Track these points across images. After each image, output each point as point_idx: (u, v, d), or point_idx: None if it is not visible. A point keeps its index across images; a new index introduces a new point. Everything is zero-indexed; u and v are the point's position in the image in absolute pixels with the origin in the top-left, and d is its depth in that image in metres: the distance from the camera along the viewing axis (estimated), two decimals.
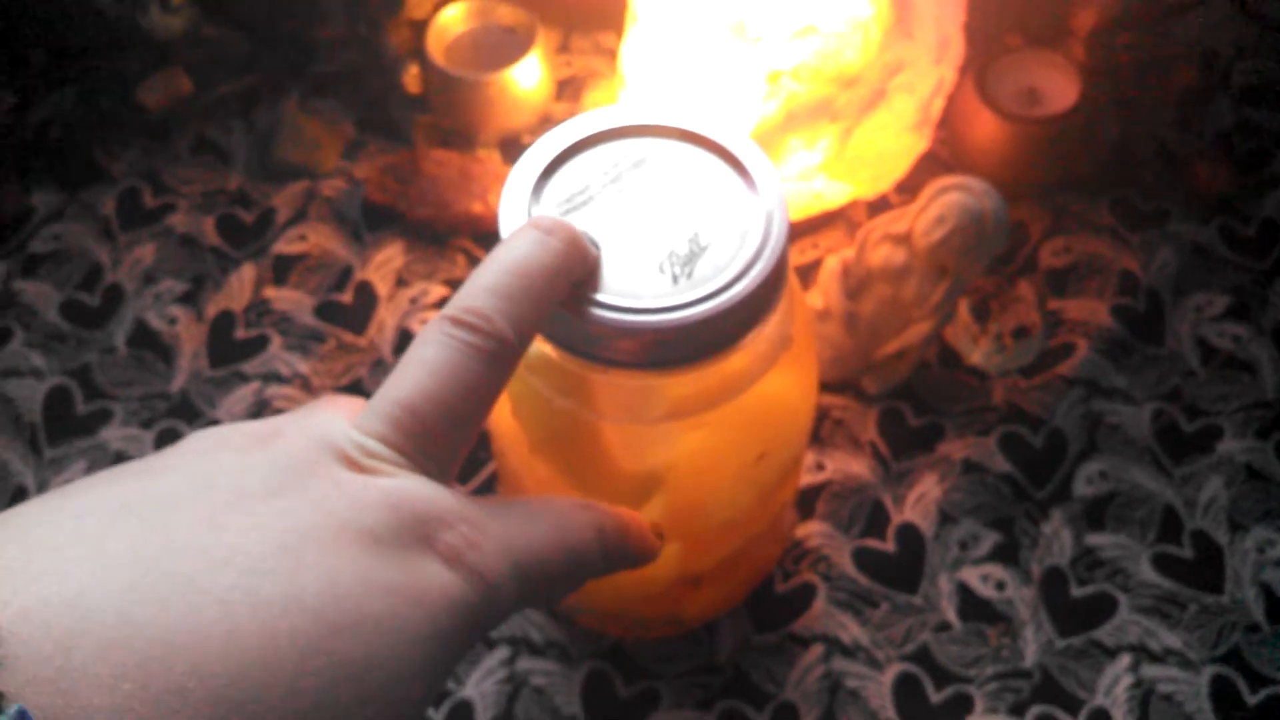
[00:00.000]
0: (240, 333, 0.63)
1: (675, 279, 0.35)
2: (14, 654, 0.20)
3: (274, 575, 0.23)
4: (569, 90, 0.71)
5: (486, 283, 0.30)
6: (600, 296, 0.35)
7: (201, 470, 0.25)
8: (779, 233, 0.36)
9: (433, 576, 0.26)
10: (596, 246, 0.35)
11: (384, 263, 0.65)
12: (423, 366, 0.28)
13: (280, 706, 0.22)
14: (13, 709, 0.19)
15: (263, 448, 0.27)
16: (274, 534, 0.24)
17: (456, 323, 0.29)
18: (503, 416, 0.42)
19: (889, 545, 0.57)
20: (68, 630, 0.20)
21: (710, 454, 0.42)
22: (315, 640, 0.23)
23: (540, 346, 0.37)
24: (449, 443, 0.28)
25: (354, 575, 0.24)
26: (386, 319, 0.63)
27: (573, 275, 0.33)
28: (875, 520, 0.57)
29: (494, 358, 0.29)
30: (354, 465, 0.27)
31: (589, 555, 0.31)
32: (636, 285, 0.35)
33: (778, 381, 0.41)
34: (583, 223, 0.36)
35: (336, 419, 0.28)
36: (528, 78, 0.66)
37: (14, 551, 0.22)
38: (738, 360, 0.38)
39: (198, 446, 0.27)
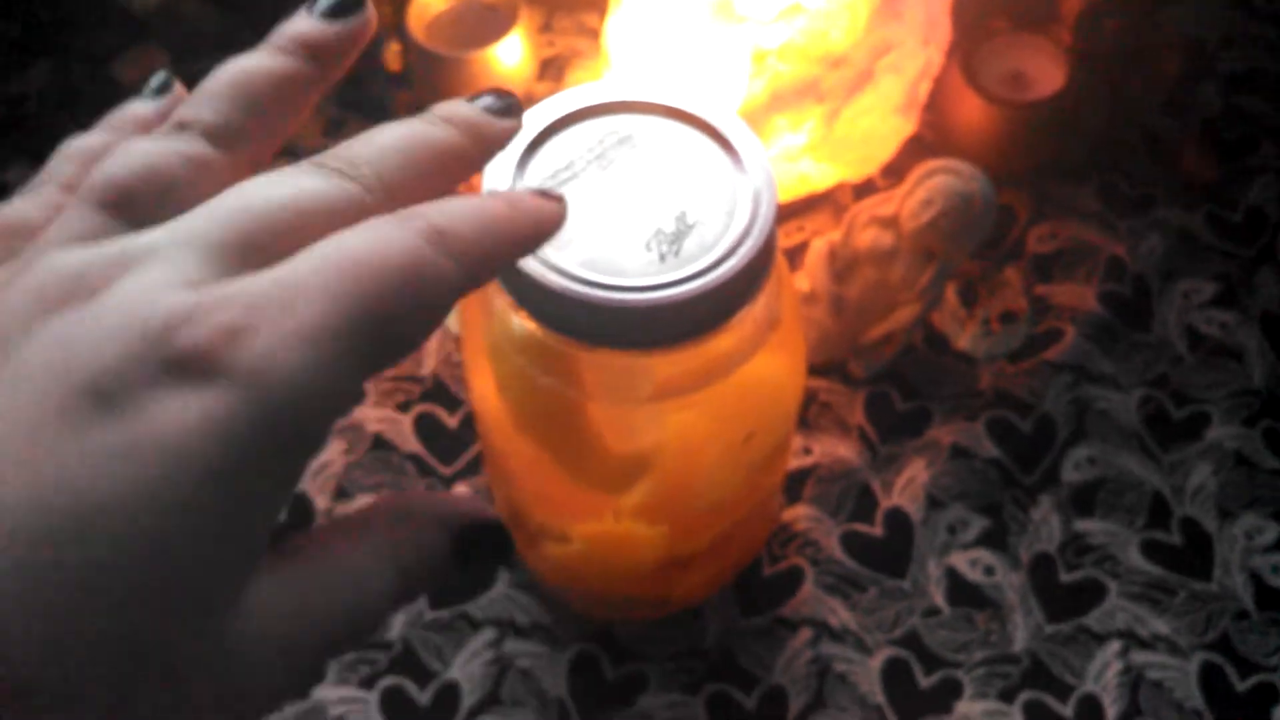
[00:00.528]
0: None
1: (662, 257, 0.35)
2: None
3: None
4: (551, 70, 0.70)
5: (362, 141, 0.26)
6: (586, 274, 0.34)
7: None
8: (767, 211, 0.36)
9: (175, 409, 0.20)
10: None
11: None
12: (265, 186, 0.24)
13: None
14: None
15: None
16: None
17: (315, 163, 0.25)
18: (488, 395, 0.42)
19: (877, 530, 0.56)
20: None
21: (698, 435, 0.41)
22: (16, 554, 0.20)
23: (526, 324, 0.36)
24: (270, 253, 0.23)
25: (59, 446, 0.20)
26: None
27: (472, 169, 0.28)
28: (863, 504, 0.57)
29: (356, 205, 0.24)
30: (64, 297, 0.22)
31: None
32: (623, 263, 0.34)
33: (766, 362, 0.40)
34: (568, 200, 0.35)
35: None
36: (509, 56, 0.65)
37: None
38: (726, 340, 0.37)
39: None
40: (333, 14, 0.28)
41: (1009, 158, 0.64)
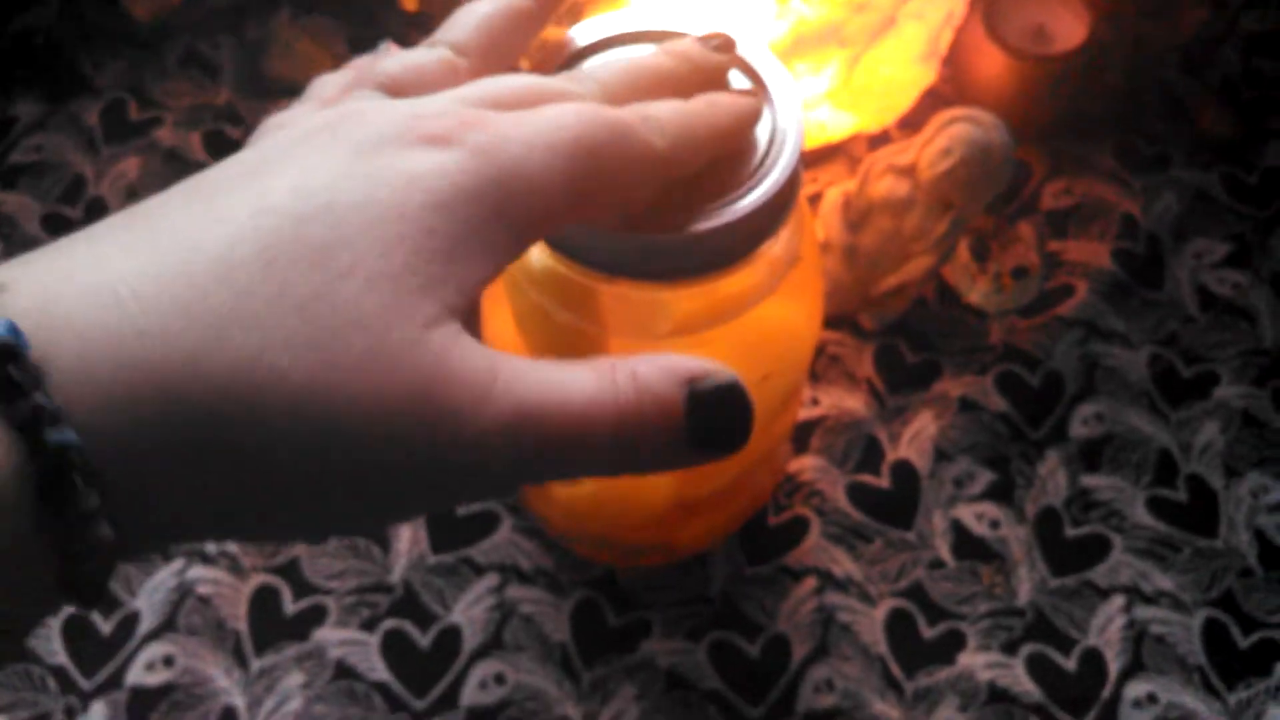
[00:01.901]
0: None
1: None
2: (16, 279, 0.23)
3: (246, 186, 0.25)
4: (568, 13, 0.70)
5: None
6: None
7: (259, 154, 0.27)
8: (793, 144, 0.35)
9: (421, 158, 0.26)
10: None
11: None
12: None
13: (253, 290, 0.24)
14: (2, 322, 0.21)
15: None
16: (265, 152, 0.26)
17: None
18: (503, 333, 0.41)
19: (884, 481, 0.56)
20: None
21: None
22: (277, 230, 0.24)
23: (546, 258, 0.36)
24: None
25: (329, 170, 0.25)
26: None
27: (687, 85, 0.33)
28: (870, 456, 0.57)
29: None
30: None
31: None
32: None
33: (784, 302, 0.40)
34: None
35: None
36: None
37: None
38: (746, 275, 0.37)
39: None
40: (716, 48, 0.35)
41: (1027, 112, 0.63)
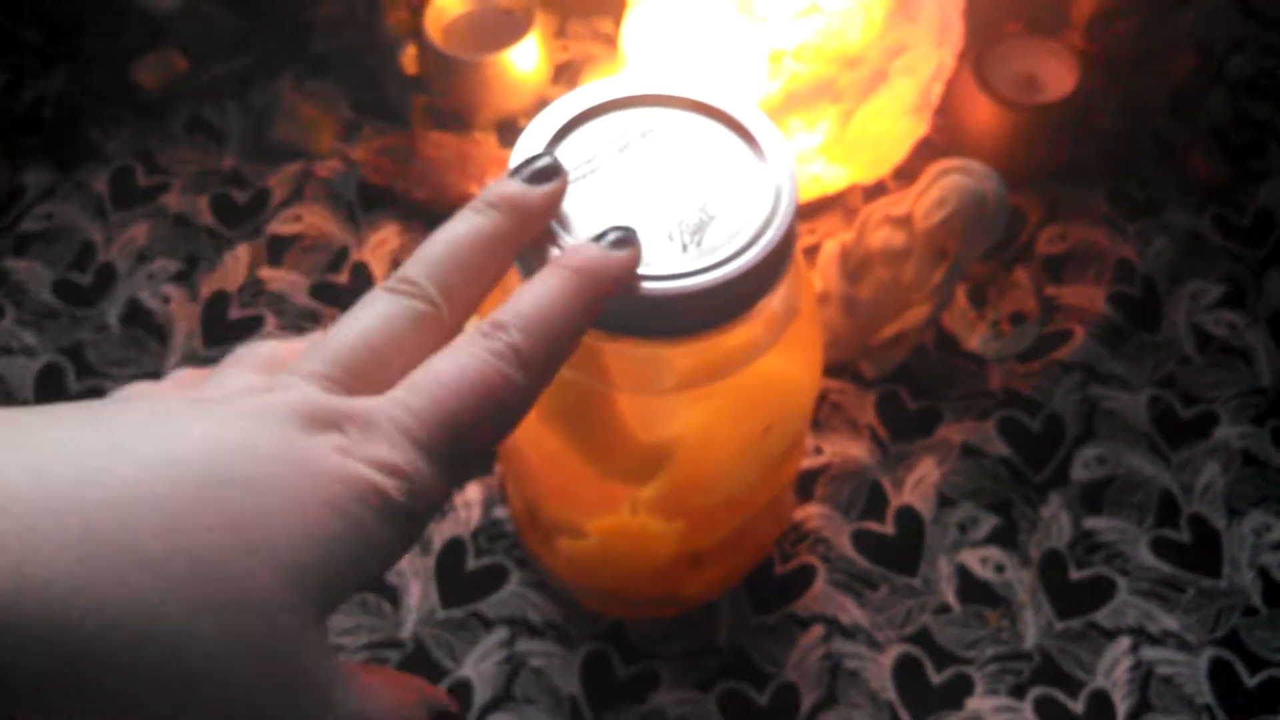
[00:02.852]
0: (235, 312, 0.63)
1: (684, 247, 0.35)
2: None
3: (165, 443, 0.25)
4: (566, 75, 0.71)
5: (420, 254, 0.31)
6: None
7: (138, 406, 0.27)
8: (788, 201, 0.36)
9: (330, 457, 0.26)
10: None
11: (380, 244, 0.65)
12: (353, 320, 0.29)
13: (167, 543, 0.23)
14: None
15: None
16: (182, 421, 0.26)
17: (387, 289, 0.30)
18: None
19: (888, 528, 0.57)
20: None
21: (717, 426, 0.42)
22: (199, 490, 0.24)
23: None
24: (375, 381, 0.29)
25: (241, 444, 0.25)
26: None
27: (520, 243, 0.33)
28: (874, 503, 0.57)
29: (422, 318, 0.29)
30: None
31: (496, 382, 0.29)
32: (646, 253, 0.35)
33: (784, 355, 0.40)
34: (590, 192, 0.36)
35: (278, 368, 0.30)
36: (525, 60, 0.66)
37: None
38: (746, 330, 0.37)
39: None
40: (536, 179, 0.34)
41: (1020, 160, 0.64)
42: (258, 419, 0.26)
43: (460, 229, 0.31)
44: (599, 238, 0.33)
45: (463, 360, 0.28)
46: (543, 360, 0.29)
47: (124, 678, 0.23)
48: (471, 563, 0.56)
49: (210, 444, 0.25)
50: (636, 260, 0.34)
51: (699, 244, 0.35)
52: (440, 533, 0.56)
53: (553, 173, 0.34)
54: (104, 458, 0.24)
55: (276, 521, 0.25)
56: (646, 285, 0.34)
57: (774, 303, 0.38)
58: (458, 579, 0.55)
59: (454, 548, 0.56)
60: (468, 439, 0.28)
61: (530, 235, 0.33)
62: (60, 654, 0.22)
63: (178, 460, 0.24)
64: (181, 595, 0.23)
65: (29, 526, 0.22)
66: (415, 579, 0.55)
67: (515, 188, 0.33)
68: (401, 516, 0.26)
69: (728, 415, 0.41)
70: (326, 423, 0.27)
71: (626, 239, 0.33)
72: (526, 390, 0.29)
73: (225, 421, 0.26)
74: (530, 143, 0.37)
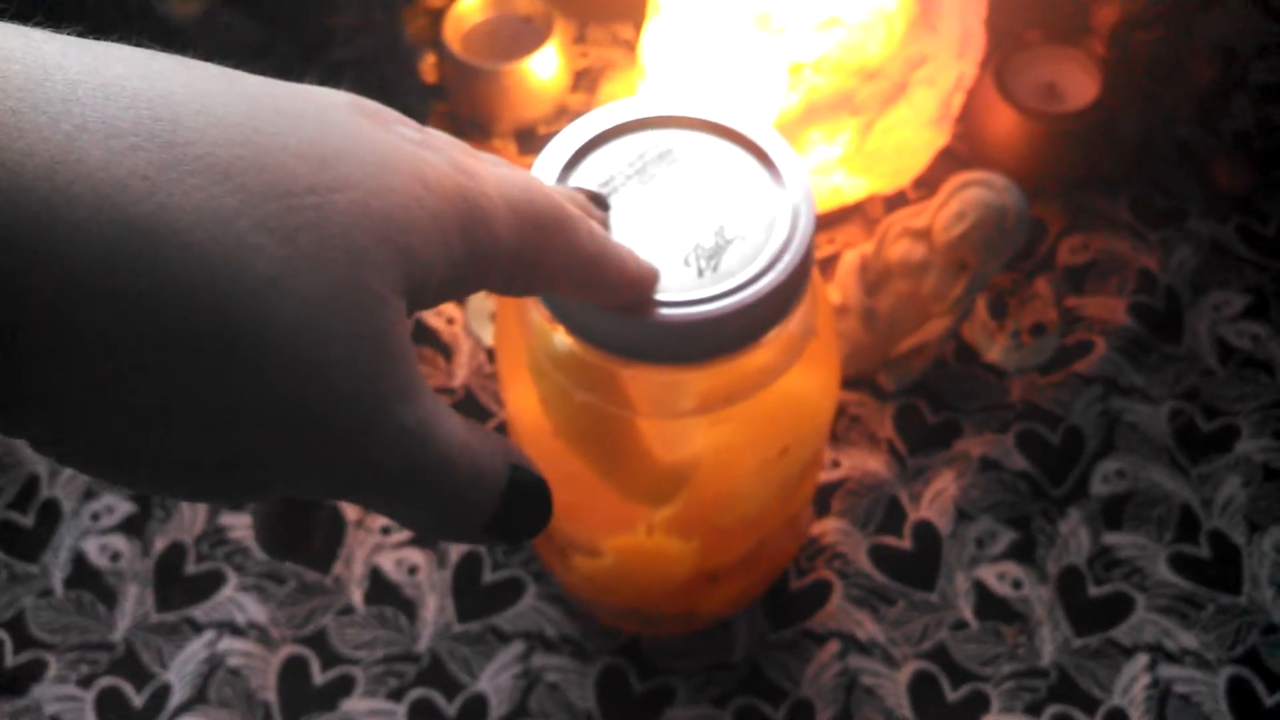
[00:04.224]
0: None
1: (701, 272, 0.35)
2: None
3: (270, 85, 0.23)
4: (585, 81, 0.71)
5: None
6: None
7: None
8: (805, 226, 0.36)
9: (437, 161, 0.25)
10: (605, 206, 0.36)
11: None
12: None
13: (249, 159, 0.21)
14: None
15: None
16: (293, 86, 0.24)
17: None
18: (526, 409, 0.42)
19: (905, 542, 0.56)
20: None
21: (734, 449, 0.41)
22: (294, 122, 0.23)
23: (564, 340, 0.37)
24: None
25: (350, 118, 0.24)
26: None
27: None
28: (891, 517, 0.57)
29: None
30: None
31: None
32: (662, 278, 0.34)
33: (801, 376, 0.40)
34: (607, 215, 0.36)
35: None
36: (544, 68, 0.66)
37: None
38: (764, 354, 0.37)
39: None
40: (596, 203, 0.36)
41: (1041, 170, 0.64)
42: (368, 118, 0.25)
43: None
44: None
45: (549, 190, 0.29)
46: (597, 255, 0.30)
47: (180, 314, 0.20)
48: (488, 576, 0.56)
49: (313, 98, 0.24)
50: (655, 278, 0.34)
51: (715, 269, 0.35)
52: (456, 546, 0.56)
53: (603, 204, 0.35)
54: (188, 71, 0.22)
55: (369, 168, 0.23)
56: (663, 311, 0.34)
57: (792, 325, 0.37)
58: (474, 592, 0.55)
59: (471, 561, 0.56)
60: (534, 240, 0.27)
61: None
62: (106, 263, 0.19)
63: (257, 96, 0.23)
64: (262, 217, 0.21)
65: (90, 117, 0.20)
66: (432, 592, 0.55)
67: (582, 200, 0.34)
68: (472, 230, 0.25)
69: (746, 437, 0.41)
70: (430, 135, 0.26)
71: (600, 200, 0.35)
72: (587, 262, 0.30)
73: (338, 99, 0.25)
74: (548, 164, 0.36)
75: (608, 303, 0.33)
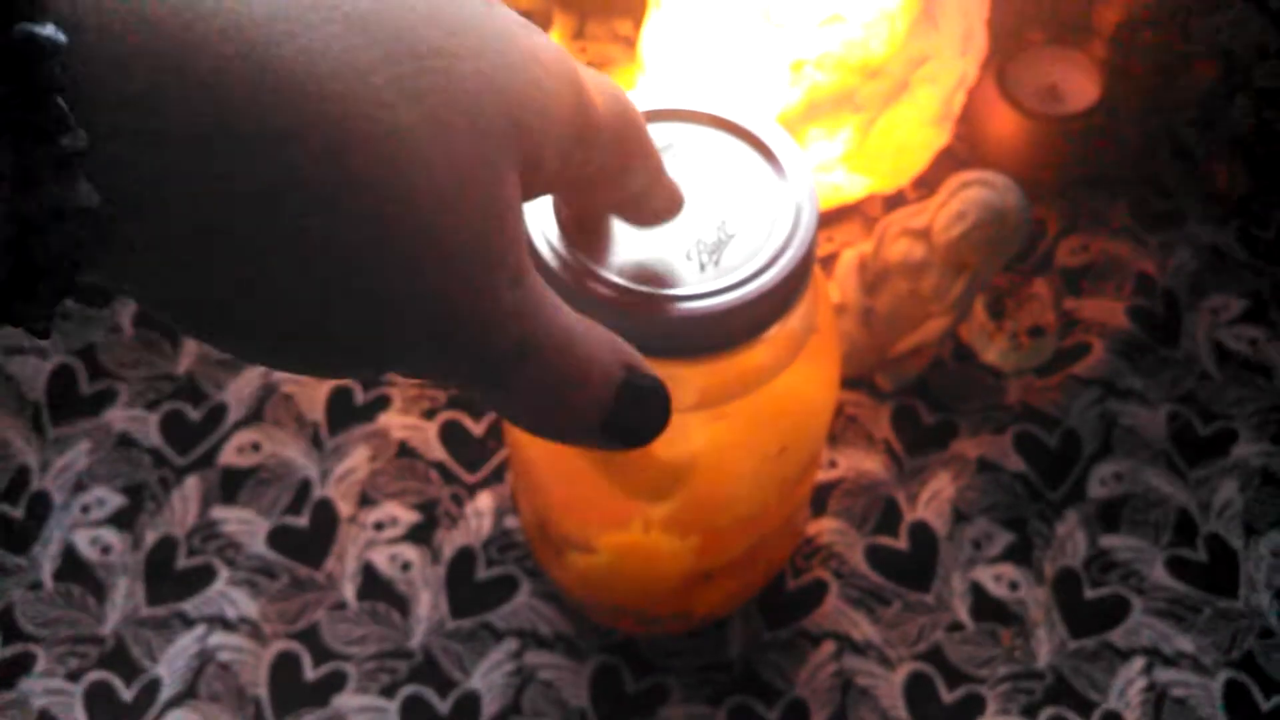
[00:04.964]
0: None
1: (702, 266, 0.35)
2: None
3: None
4: None
5: None
6: (625, 283, 0.34)
7: None
8: (808, 221, 0.35)
9: (514, 16, 0.25)
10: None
11: None
12: None
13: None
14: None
15: None
16: None
17: None
18: None
19: (902, 543, 0.56)
20: None
21: (732, 446, 0.41)
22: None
23: None
24: None
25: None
26: None
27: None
28: (888, 518, 0.57)
29: None
30: None
31: None
32: (662, 272, 0.34)
33: (801, 374, 0.40)
34: None
35: None
36: None
37: None
38: (764, 350, 0.37)
39: None
40: None
41: (1041, 171, 0.64)
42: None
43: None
44: None
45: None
46: (661, 172, 0.31)
47: (313, 158, 0.20)
48: (482, 573, 0.55)
49: None
50: None
51: (717, 263, 0.35)
52: (451, 542, 0.56)
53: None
54: None
55: (495, 42, 0.23)
56: (664, 305, 0.34)
57: (793, 321, 0.37)
58: (468, 589, 0.55)
59: (465, 557, 0.55)
60: (620, 135, 0.28)
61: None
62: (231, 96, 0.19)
63: None
64: (396, 75, 0.21)
65: None
66: (425, 588, 0.55)
67: None
68: (580, 119, 0.26)
69: (744, 435, 0.41)
70: None
71: None
72: (656, 169, 0.31)
73: None
74: None
75: (652, 221, 0.34)
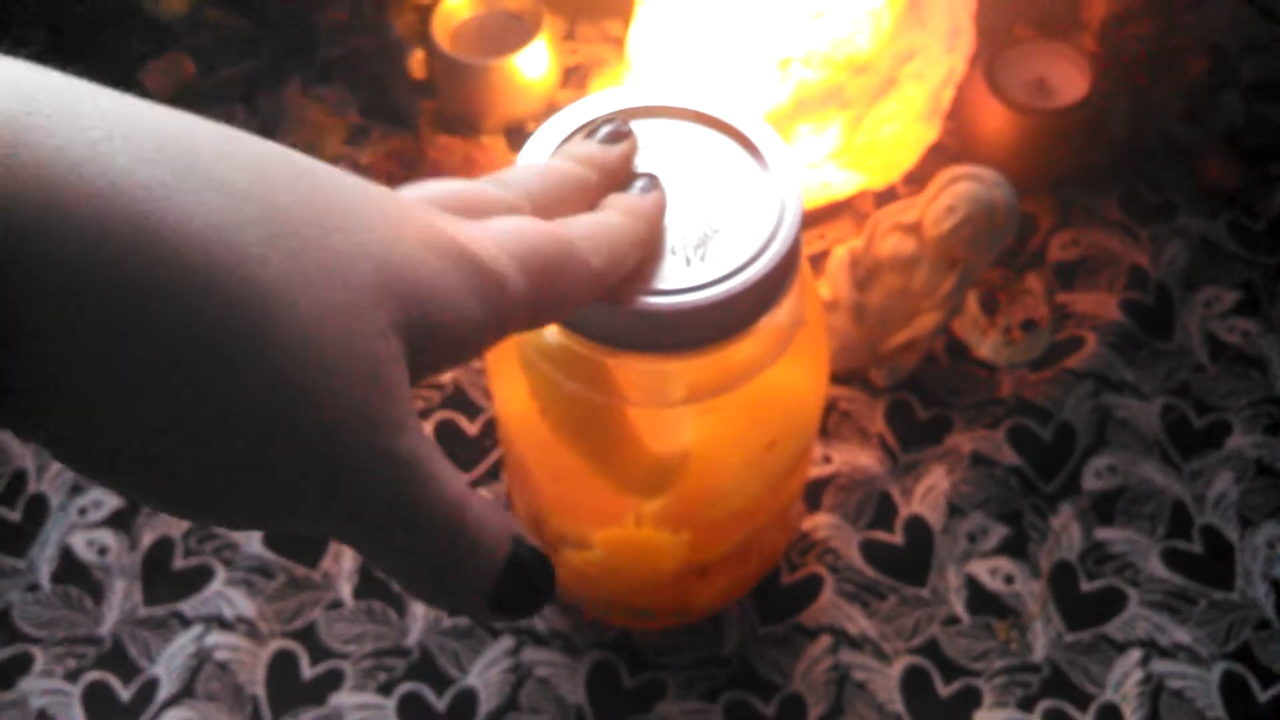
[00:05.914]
0: None
1: (688, 261, 0.35)
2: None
3: (265, 143, 0.24)
4: (574, 78, 0.71)
5: (513, 172, 0.32)
6: None
7: None
8: (793, 215, 0.36)
9: (434, 217, 0.26)
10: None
11: None
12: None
13: (252, 183, 0.22)
14: None
15: None
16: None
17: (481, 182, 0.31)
18: (515, 402, 0.42)
19: (897, 537, 0.56)
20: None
21: (722, 440, 0.41)
22: (289, 168, 0.23)
23: (553, 331, 0.37)
24: None
25: (350, 179, 0.25)
26: None
27: (596, 197, 0.34)
28: (883, 512, 0.57)
29: (509, 208, 0.30)
30: None
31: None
32: (649, 267, 0.34)
33: (789, 369, 0.40)
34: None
35: None
36: (533, 65, 0.66)
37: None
38: (750, 345, 0.37)
39: None
40: (611, 140, 0.35)
41: (1031, 165, 0.64)
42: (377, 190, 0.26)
43: (553, 165, 0.33)
44: (628, 188, 0.34)
45: (548, 227, 0.29)
46: (607, 262, 0.30)
47: (186, 311, 0.21)
48: None
49: (314, 162, 0.24)
50: (664, 201, 0.35)
51: (703, 258, 0.35)
52: None
53: (625, 134, 0.35)
54: (212, 122, 0.23)
55: (374, 224, 0.24)
56: (651, 300, 0.34)
57: (780, 315, 0.37)
58: None
59: None
60: (547, 282, 0.28)
61: (603, 193, 0.34)
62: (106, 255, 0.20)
63: (272, 150, 0.24)
64: (271, 235, 0.22)
65: (102, 126, 0.21)
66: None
67: (595, 147, 0.34)
68: (488, 292, 0.26)
69: (732, 430, 0.41)
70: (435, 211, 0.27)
71: (653, 183, 0.35)
72: (597, 277, 0.30)
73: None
74: (535, 153, 0.36)
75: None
